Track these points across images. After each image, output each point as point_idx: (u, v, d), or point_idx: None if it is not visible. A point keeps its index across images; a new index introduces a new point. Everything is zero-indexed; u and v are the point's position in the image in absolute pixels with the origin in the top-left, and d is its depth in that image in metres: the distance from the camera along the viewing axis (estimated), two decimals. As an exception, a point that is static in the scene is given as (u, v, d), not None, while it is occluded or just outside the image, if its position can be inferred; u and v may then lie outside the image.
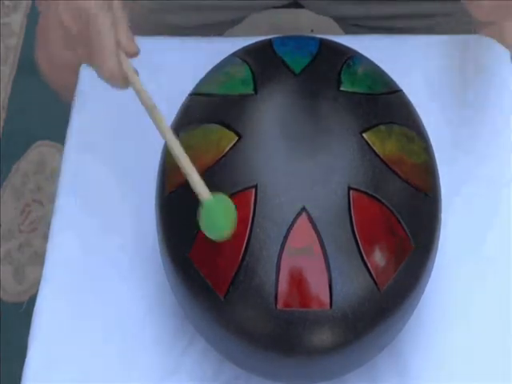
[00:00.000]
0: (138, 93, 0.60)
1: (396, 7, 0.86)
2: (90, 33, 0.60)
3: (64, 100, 0.88)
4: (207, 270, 0.58)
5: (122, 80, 0.61)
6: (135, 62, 0.85)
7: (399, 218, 0.59)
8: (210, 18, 0.90)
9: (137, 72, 0.61)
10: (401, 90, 0.66)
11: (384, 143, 0.60)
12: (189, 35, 0.86)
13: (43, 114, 1.48)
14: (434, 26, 0.87)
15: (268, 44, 0.66)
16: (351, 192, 0.58)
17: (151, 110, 0.59)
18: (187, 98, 0.66)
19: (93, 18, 0.59)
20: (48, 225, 0.77)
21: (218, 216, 0.56)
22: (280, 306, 0.57)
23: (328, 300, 0.57)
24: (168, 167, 0.63)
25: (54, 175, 1.43)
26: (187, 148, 0.62)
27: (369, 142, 0.60)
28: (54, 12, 0.63)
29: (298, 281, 0.57)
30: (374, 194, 0.58)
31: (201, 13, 0.88)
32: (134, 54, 0.61)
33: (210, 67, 0.67)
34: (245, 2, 0.90)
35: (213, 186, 0.59)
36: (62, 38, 0.65)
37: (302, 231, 0.57)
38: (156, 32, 0.87)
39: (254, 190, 0.58)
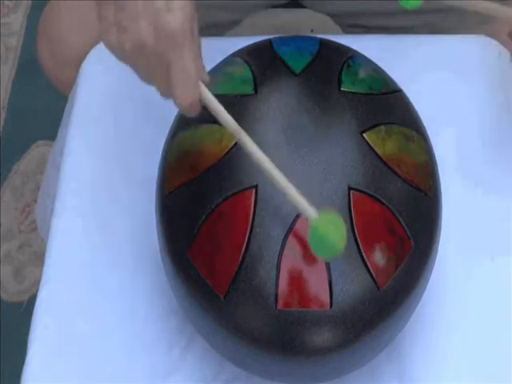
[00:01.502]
0: (222, 119, 0.57)
1: (393, 4, 0.86)
2: (172, 58, 0.54)
3: (66, 95, 0.88)
4: (207, 270, 0.58)
5: (198, 109, 0.57)
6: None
7: (399, 218, 0.59)
8: (209, 18, 0.89)
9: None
10: (401, 90, 0.66)
11: (384, 143, 0.60)
12: None
13: (43, 114, 1.48)
14: (431, 25, 0.87)
15: (268, 44, 0.66)
16: (351, 192, 0.58)
17: (238, 134, 0.57)
18: (187, 97, 0.66)
19: (179, 41, 0.54)
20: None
21: (328, 235, 0.53)
22: (280, 306, 0.57)
23: (328, 300, 0.57)
24: (168, 167, 0.63)
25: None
26: (188, 148, 0.62)
27: (369, 141, 0.60)
28: (126, 19, 0.55)
29: (298, 281, 0.57)
30: (374, 194, 0.58)
31: (200, 13, 0.88)
32: (206, 83, 0.57)
33: (210, 67, 0.67)
34: (244, 2, 0.90)
35: (213, 186, 0.59)
36: (74, 25, 0.60)
37: (303, 231, 0.57)
38: None
39: (254, 190, 0.58)
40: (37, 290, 0.73)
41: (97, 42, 0.85)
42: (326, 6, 0.90)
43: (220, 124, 0.61)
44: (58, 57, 0.88)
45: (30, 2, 1.65)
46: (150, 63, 0.55)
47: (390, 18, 0.88)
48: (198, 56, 0.56)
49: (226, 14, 0.90)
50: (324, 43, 0.66)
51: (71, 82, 0.85)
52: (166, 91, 0.56)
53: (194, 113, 0.57)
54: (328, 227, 0.54)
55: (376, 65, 0.67)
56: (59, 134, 0.89)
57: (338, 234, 0.54)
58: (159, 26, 0.53)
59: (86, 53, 0.84)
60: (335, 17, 0.94)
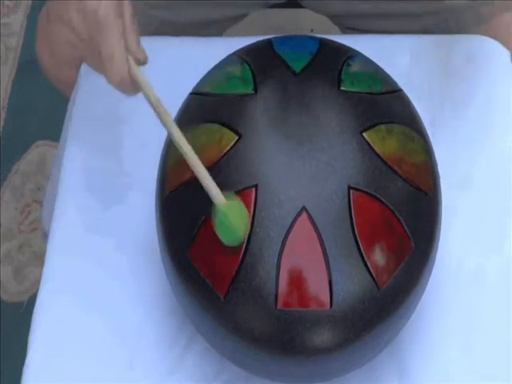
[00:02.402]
0: (146, 94, 0.62)
1: (392, 5, 0.86)
2: (100, 39, 0.61)
3: (66, 95, 0.88)
4: (207, 270, 0.58)
5: (131, 86, 0.62)
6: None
7: (399, 218, 0.59)
8: (209, 14, 0.89)
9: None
10: (401, 90, 0.66)
11: (384, 143, 0.60)
12: (188, 33, 0.86)
13: (43, 114, 1.48)
14: (430, 28, 0.87)
15: (268, 43, 0.66)
16: (351, 191, 0.58)
17: (156, 107, 0.61)
18: (187, 97, 0.66)
19: (103, 24, 0.61)
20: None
21: (231, 222, 0.56)
22: (280, 305, 0.57)
23: (328, 300, 0.57)
24: (168, 167, 0.63)
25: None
26: (187, 148, 0.62)
27: (369, 141, 0.60)
28: (64, 11, 0.65)
29: (298, 280, 0.57)
30: (374, 194, 0.58)
31: (199, 9, 0.88)
32: (143, 61, 0.63)
33: (210, 67, 0.67)
34: (244, 2, 0.90)
35: (213, 186, 0.59)
36: (67, 37, 0.66)
37: (302, 231, 0.57)
38: (155, 28, 0.87)
39: (254, 190, 0.58)
40: (37, 290, 0.73)
41: None
42: (323, 6, 0.90)
43: (222, 123, 0.61)
44: (58, 57, 0.88)
45: (29, 2, 1.65)
46: (85, 46, 0.64)
47: (387, 21, 0.88)
48: (130, 35, 0.62)
49: (226, 11, 0.90)
50: (324, 43, 0.66)
51: (70, 82, 0.85)
52: (99, 69, 0.63)
53: (127, 90, 0.63)
54: (231, 213, 0.56)
55: (376, 64, 0.67)
56: (62, 134, 0.89)
57: (239, 221, 0.57)
58: (84, 12, 0.62)
59: None
60: (333, 18, 0.94)
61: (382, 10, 0.87)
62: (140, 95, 0.64)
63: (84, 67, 0.84)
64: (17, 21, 1.63)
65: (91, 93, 0.83)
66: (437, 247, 0.62)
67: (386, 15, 0.87)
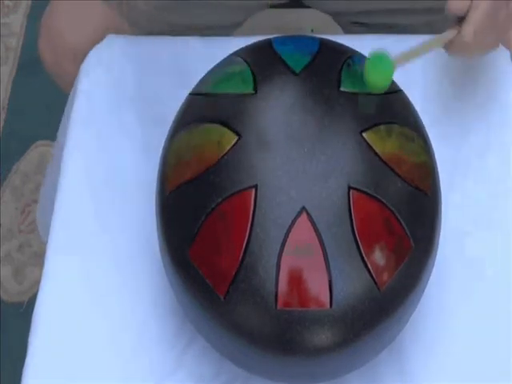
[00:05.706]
0: None
1: (397, 2, 0.86)
2: None
3: (67, 92, 0.89)
4: (207, 270, 0.58)
5: None
6: (134, 62, 0.86)
7: (399, 218, 0.59)
8: (212, 19, 0.90)
9: None
10: (401, 90, 0.66)
11: (384, 143, 0.60)
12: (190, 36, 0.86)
13: (43, 114, 1.48)
14: (434, 23, 0.87)
15: (268, 43, 0.66)
16: (351, 191, 0.58)
17: None
18: (187, 97, 0.66)
19: None
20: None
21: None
22: (280, 305, 0.57)
23: (328, 300, 0.57)
24: (168, 167, 0.63)
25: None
26: (188, 148, 0.62)
27: (369, 141, 0.60)
28: None
29: (297, 280, 0.57)
30: (374, 194, 0.58)
31: (203, 12, 0.88)
32: None
33: (210, 67, 0.67)
34: (246, 2, 0.90)
35: (213, 186, 0.59)
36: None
37: (302, 231, 0.57)
38: (158, 31, 0.87)
39: (254, 190, 0.58)
40: (37, 290, 0.73)
41: (97, 37, 0.85)
42: (328, 4, 0.90)
43: (222, 123, 0.61)
44: (59, 51, 0.89)
45: (29, 2, 1.65)
46: None
47: (391, 17, 0.88)
48: None
49: (229, 15, 0.90)
50: (324, 43, 0.66)
51: (71, 78, 0.85)
52: None
53: None
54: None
55: (376, 64, 0.67)
56: (58, 135, 0.89)
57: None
58: None
59: (87, 47, 0.84)
60: (337, 15, 0.94)
61: (387, 6, 0.87)
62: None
63: (84, 67, 0.84)
64: (17, 21, 1.63)
65: (90, 93, 0.83)
66: (437, 247, 0.62)
67: (390, 11, 0.88)
